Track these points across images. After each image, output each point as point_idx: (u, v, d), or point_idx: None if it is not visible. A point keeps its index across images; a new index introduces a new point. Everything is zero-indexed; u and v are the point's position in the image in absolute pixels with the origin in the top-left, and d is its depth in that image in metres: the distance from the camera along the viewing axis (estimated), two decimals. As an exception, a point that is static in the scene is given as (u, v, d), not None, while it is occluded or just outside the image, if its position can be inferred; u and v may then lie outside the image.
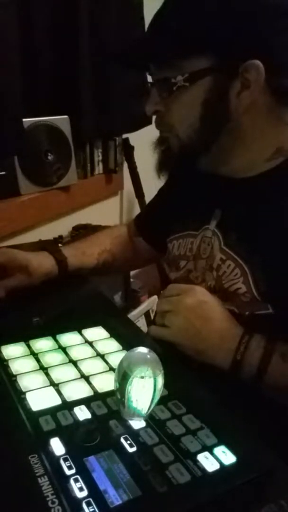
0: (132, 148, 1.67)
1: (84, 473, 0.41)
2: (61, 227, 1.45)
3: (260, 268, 0.64)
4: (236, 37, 0.60)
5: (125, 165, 1.70)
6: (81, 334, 0.66)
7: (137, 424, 0.47)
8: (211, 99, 0.63)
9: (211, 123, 0.65)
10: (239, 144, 0.66)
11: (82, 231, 1.44)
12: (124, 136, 1.63)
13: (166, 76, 0.64)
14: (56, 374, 0.56)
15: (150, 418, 0.48)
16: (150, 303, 1.82)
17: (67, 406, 0.50)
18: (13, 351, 0.60)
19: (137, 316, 1.73)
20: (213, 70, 0.62)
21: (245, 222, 0.67)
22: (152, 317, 1.78)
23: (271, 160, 0.67)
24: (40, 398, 0.51)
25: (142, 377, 0.45)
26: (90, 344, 0.63)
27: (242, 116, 0.64)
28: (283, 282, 0.62)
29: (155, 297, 1.86)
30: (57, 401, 0.50)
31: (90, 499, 0.38)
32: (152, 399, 0.46)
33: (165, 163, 0.74)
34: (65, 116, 1.30)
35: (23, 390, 0.52)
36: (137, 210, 1.77)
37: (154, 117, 0.72)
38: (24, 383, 0.53)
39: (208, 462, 0.43)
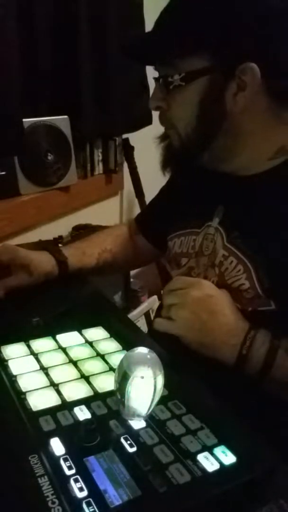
0: (132, 148, 1.67)
1: (84, 473, 0.41)
2: (61, 227, 1.45)
3: (263, 265, 0.64)
4: (233, 39, 0.61)
5: (125, 165, 1.70)
6: (81, 334, 0.66)
7: (137, 424, 0.47)
8: (207, 99, 0.64)
9: (207, 122, 0.66)
10: (239, 143, 0.67)
11: (82, 231, 1.44)
12: (124, 136, 1.63)
13: (166, 74, 0.66)
14: (56, 374, 0.55)
15: (150, 418, 0.48)
16: (150, 303, 1.82)
17: (67, 406, 0.50)
18: (13, 351, 0.60)
19: (137, 316, 1.73)
20: (209, 70, 0.63)
21: (248, 219, 0.68)
22: (152, 317, 1.78)
23: (274, 159, 0.67)
24: (40, 398, 0.51)
25: (142, 377, 0.45)
26: (90, 344, 0.63)
27: (239, 116, 0.64)
28: (286, 279, 0.62)
29: (155, 297, 1.86)
30: (57, 401, 0.50)
31: (90, 499, 0.38)
32: (152, 399, 0.46)
33: (168, 159, 0.74)
34: (65, 116, 1.30)
35: (23, 390, 0.52)
36: (137, 210, 1.77)
37: (155, 116, 0.74)
38: (24, 383, 0.53)
39: (208, 462, 0.43)
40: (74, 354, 0.60)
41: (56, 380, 0.54)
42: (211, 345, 0.63)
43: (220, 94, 0.63)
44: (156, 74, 0.71)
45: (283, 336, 0.62)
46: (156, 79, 0.70)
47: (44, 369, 0.56)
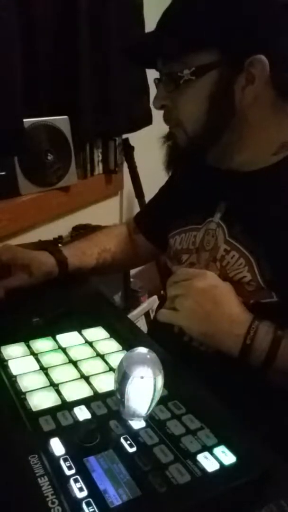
0: (132, 148, 1.68)
1: (84, 473, 0.41)
2: (61, 227, 1.45)
3: (265, 258, 0.65)
4: (242, 33, 0.61)
5: (125, 165, 1.70)
6: (81, 334, 0.66)
7: (137, 424, 0.47)
8: (217, 93, 0.64)
9: (217, 116, 0.66)
10: (244, 138, 0.68)
11: (82, 231, 1.44)
12: (124, 136, 1.63)
13: (173, 70, 0.66)
14: (56, 374, 0.55)
15: (150, 418, 0.48)
16: (150, 303, 1.82)
17: (67, 406, 0.50)
18: (13, 351, 0.60)
19: (137, 316, 1.73)
20: (219, 64, 0.63)
21: (250, 214, 0.68)
22: (152, 317, 1.78)
23: (277, 154, 0.68)
24: (40, 398, 0.51)
25: (142, 377, 0.45)
26: (90, 344, 0.63)
27: (247, 110, 0.65)
28: None
29: (155, 297, 1.86)
30: (57, 401, 0.50)
31: (90, 499, 0.38)
32: (152, 399, 0.46)
33: (173, 158, 0.74)
34: (65, 116, 1.30)
35: (23, 390, 0.52)
36: (137, 210, 1.77)
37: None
38: (24, 383, 0.53)
39: (208, 462, 0.43)
40: (74, 354, 0.60)
41: (56, 380, 0.54)
42: (215, 335, 0.63)
43: (229, 87, 0.63)
44: (157, 75, 0.71)
45: (285, 327, 0.62)
46: (159, 79, 0.70)
47: (44, 369, 0.56)
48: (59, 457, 0.42)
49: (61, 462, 0.42)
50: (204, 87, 0.64)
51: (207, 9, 0.62)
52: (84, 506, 0.37)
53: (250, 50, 0.61)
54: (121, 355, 0.49)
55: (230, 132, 0.67)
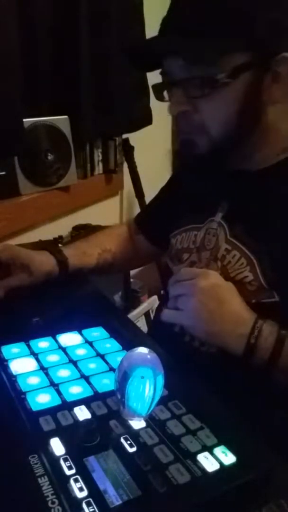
0: (132, 148, 1.67)
1: (84, 473, 0.41)
2: (61, 227, 1.45)
3: (267, 257, 0.64)
4: (270, 32, 0.60)
5: (125, 165, 1.70)
6: (81, 334, 0.66)
7: (137, 424, 0.47)
8: (248, 94, 0.63)
9: (247, 118, 0.65)
10: (265, 137, 0.67)
11: (82, 231, 1.44)
12: (124, 136, 1.63)
13: (202, 74, 0.62)
14: (56, 374, 0.56)
15: (150, 418, 0.48)
16: (150, 303, 1.82)
17: (67, 406, 0.50)
18: (13, 351, 0.60)
19: (137, 316, 1.73)
20: (250, 65, 0.62)
21: (252, 213, 0.68)
22: (152, 317, 1.78)
23: (280, 154, 0.68)
24: (40, 398, 0.51)
25: (142, 377, 0.45)
26: (90, 344, 0.63)
27: (270, 109, 0.64)
28: None
29: (155, 297, 1.86)
30: (57, 401, 0.51)
31: (90, 499, 0.38)
32: (152, 399, 0.46)
33: (193, 165, 0.72)
34: (65, 116, 1.30)
35: (23, 390, 0.52)
36: (137, 210, 1.77)
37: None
38: (24, 383, 0.53)
39: (208, 462, 0.43)
40: (74, 354, 0.60)
41: (56, 380, 0.54)
42: (219, 335, 0.62)
43: (259, 87, 0.63)
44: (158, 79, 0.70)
45: (287, 326, 0.62)
46: (173, 83, 0.66)
47: (44, 369, 0.56)
48: (59, 457, 0.42)
49: (61, 462, 0.42)
50: (237, 89, 0.62)
51: (238, 9, 0.60)
52: (84, 506, 0.38)
53: (277, 49, 0.60)
54: (121, 355, 0.49)
55: (256, 132, 0.66)
